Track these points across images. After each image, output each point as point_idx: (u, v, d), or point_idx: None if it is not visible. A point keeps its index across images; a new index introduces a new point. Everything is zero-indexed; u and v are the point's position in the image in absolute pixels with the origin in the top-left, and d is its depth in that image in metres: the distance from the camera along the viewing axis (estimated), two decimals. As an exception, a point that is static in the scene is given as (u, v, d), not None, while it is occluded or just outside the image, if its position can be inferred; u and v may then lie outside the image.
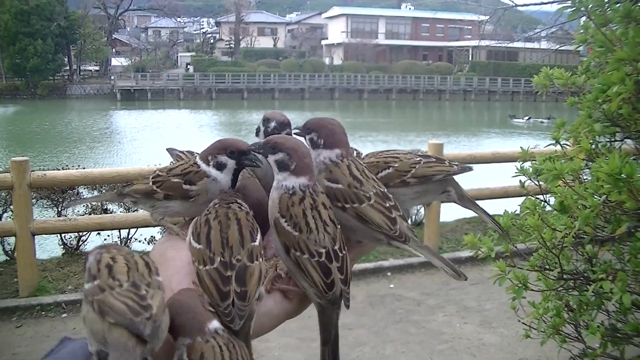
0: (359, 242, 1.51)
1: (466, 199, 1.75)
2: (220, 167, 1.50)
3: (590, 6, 2.90)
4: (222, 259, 1.28)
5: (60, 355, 1.19)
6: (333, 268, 1.33)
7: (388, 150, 1.73)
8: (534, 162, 3.14)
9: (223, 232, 1.32)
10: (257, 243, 1.33)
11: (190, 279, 1.31)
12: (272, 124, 1.66)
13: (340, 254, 1.34)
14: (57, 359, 1.17)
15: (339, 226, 1.38)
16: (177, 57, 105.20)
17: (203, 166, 1.51)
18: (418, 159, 1.68)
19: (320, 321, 1.39)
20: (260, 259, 1.31)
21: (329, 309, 1.36)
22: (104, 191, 10.65)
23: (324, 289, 1.32)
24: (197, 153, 1.74)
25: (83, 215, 10.39)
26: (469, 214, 10.23)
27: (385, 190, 1.51)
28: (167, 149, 1.91)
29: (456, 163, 1.75)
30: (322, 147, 1.49)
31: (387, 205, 1.48)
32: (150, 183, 1.58)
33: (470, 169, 1.78)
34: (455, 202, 1.75)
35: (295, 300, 1.39)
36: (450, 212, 11.68)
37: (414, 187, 1.65)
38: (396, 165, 1.66)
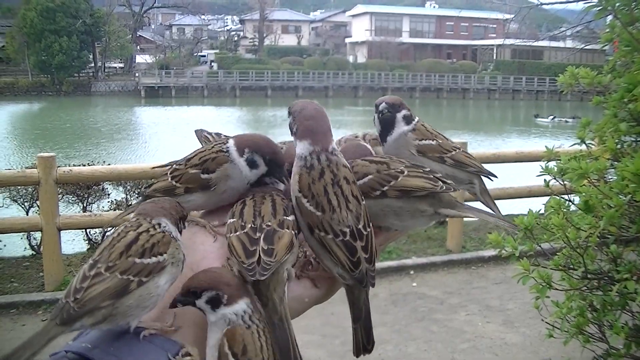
0: (389, 229, 1.51)
1: (487, 195, 1.79)
2: (252, 165, 1.49)
3: (616, 5, 2.88)
4: (252, 225, 1.30)
5: (89, 338, 1.21)
6: (358, 246, 1.32)
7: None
8: (558, 161, 3.13)
9: (257, 207, 1.35)
10: (289, 218, 1.34)
11: (220, 264, 1.33)
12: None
13: (364, 232, 1.34)
14: (85, 341, 1.20)
15: (363, 202, 1.37)
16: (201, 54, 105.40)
17: (234, 154, 1.50)
18: (459, 146, 1.74)
19: (349, 300, 1.39)
20: (292, 230, 1.31)
21: (356, 288, 1.36)
22: (129, 187, 10.76)
23: (350, 267, 1.32)
24: (225, 136, 1.74)
25: (108, 211, 10.49)
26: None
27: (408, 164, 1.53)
28: (195, 131, 1.89)
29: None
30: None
31: (423, 170, 1.51)
32: (169, 179, 1.55)
33: (495, 176, 1.82)
34: (476, 194, 1.78)
35: (324, 287, 1.40)
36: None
37: (447, 167, 1.68)
38: (440, 141, 1.70)
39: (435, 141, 1.69)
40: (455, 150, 1.71)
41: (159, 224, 1.30)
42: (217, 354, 1.20)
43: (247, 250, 1.26)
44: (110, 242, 1.25)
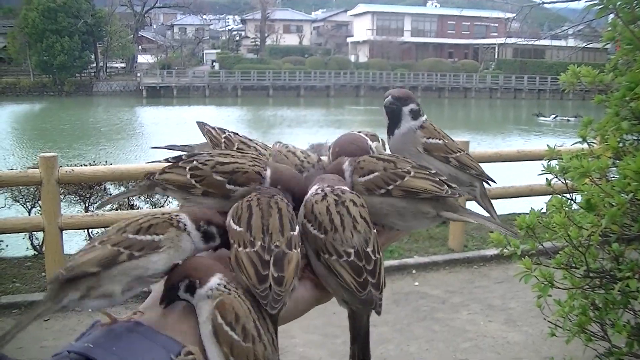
0: (391, 228, 1.51)
1: (487, 199, 1.79)
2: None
3: (618, 3, 2.88)
4: (262, 243, 1.28)
5: (91, 338, 1.21)
6: (363, 268, 1.29)
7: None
8: (560, 160, 3.13)
9: (264, 219, 1.32)
10: (295, 233, 1.32)
11: (221, 263, 1.32)
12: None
13: (373, 257, 1.31)
14: (87, 341, 1.20)
15: (374, 230, 1.36)
16: (203, 54, 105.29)
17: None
18: (463, 148, 1.74)
19: (350, 320, 1.38)
20: (298, 249, 1.29)
21: (360, 311, 1.35)
22: (130, 187, 10.74)
23: (357, 288, 1.28)
24: (228, 131, 1.75)
25: (110, 211, 10.48)
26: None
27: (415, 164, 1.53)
28: (197, 122, 1.86)
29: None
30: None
31: (429, 172, 1.50)
32: (188, 176, 1.49)
33: (494, 182, 1.82)
34: (475, 197, 1.78)
35: (325, 287, 1.38)
36: (475, 210, 11.63)
37: (451, 168, 1.67)
38: (447, 141, 1.70)
39: (442, 141, 1.69)
40: (460, 152, 1.70)
41: (177, 215, 1.33)
42: (211, 327, 1.20)
43: (260, 275, 1.24)
44: (116, 225, 1.30)
